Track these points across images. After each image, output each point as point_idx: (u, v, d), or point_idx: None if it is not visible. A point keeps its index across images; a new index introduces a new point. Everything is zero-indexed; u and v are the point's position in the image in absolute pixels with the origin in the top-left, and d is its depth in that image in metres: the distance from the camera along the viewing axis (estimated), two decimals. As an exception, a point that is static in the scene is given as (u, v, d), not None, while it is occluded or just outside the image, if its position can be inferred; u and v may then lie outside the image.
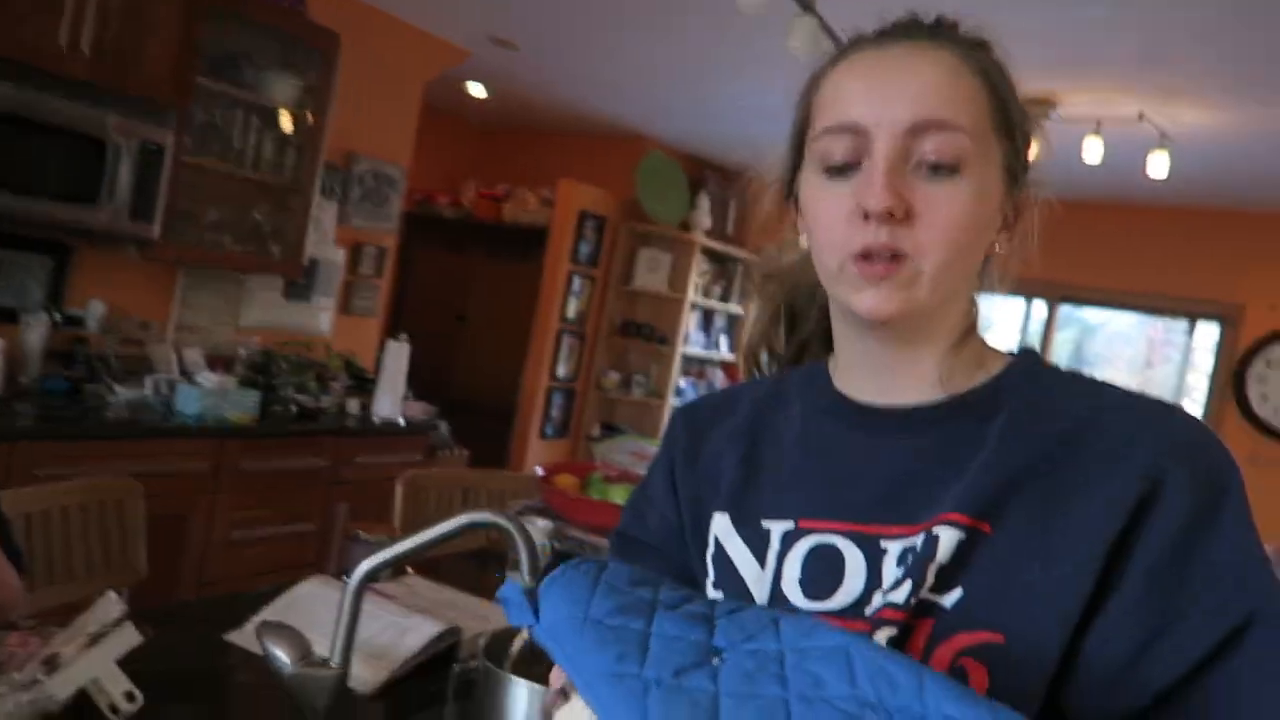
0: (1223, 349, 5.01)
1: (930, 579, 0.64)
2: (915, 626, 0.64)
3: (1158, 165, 3.62)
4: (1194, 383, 5.18)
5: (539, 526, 1.83)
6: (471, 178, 5.79)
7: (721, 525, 0.76)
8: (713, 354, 6.15)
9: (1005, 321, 5.45)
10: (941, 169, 0.67)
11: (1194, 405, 5.11)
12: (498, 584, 1.30)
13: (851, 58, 0.72)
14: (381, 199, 4.14)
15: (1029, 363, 0.73)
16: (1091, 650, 0.62)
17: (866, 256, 0.67)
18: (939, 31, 0.72)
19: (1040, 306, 5.39)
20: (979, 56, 0.71)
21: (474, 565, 2.08)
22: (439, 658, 1.36)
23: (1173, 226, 5.01)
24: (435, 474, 2.41)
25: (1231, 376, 4.91)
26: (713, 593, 0.75)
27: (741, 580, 0.73)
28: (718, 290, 6.00)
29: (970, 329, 0.74)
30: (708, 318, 6.08)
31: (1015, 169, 0.72)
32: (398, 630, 1.34)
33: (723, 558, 0.75)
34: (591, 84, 4.61)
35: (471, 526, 1.12)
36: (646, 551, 0.83)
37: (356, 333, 4.06)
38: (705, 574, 0.77)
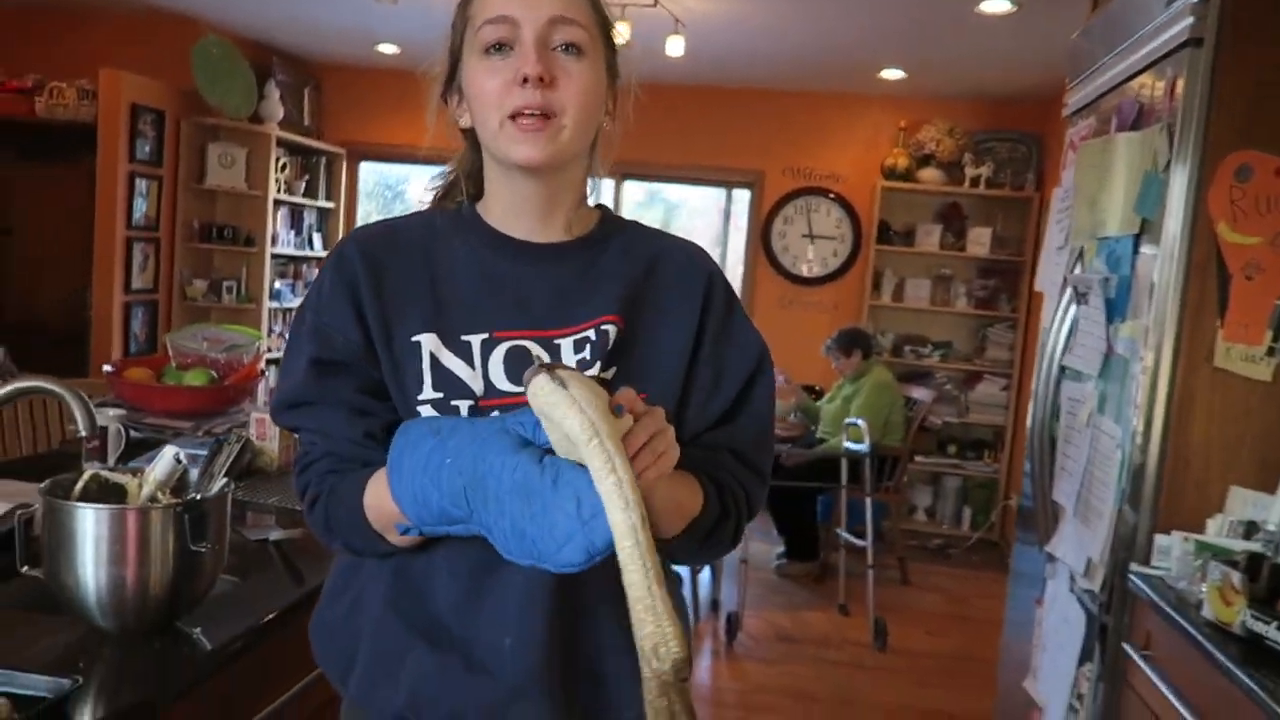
0: (753, 212, 5.93)
1: (602, 359, 0.95)
2: None
3: (675, 47, 4.17)
4: (736, 244, 6.08)
5: (110, 414, 1.87)
6: (-10, 69, 5.05)
7: (432, 343, 0.95)
8: (306, 252, 6.04)
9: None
10: (571, 49, 0.95)
11: (737, 262, 6.02)
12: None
13: None
14: None
15: (609, 214, 1.08)
16: (691, 388, 1.01)
17: (522, 115, 0.92)
18: None
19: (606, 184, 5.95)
20: None
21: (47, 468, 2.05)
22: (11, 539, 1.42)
23: (702, 105, 5.73)
24: (-11, 388, 2.29)
25: (760, 235, 5.85)
26: (431, 393, 0.94)
27: (459, 380, 0.95)
28: (302, 186, 5.87)
29: (584, 195, 1.06)
30: (296, 215, 5.93)
31: (613, 68, 1.01)
32: (-39, 515, 1.38)
33: (439, 367, 0.95)
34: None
35: (22, 394, 1.21)
36: (341, 369, 0.96)
37: None
38: (417, 382, 0.94)
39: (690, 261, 1.07)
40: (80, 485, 1.15)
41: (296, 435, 1.04)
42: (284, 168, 5.65)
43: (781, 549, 4.72)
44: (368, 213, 6.71)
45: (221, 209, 5.50)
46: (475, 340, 0.97)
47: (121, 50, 5.10)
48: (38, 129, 4.90)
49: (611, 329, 0.98)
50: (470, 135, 1.04)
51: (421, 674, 0.92)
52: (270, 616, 1.30)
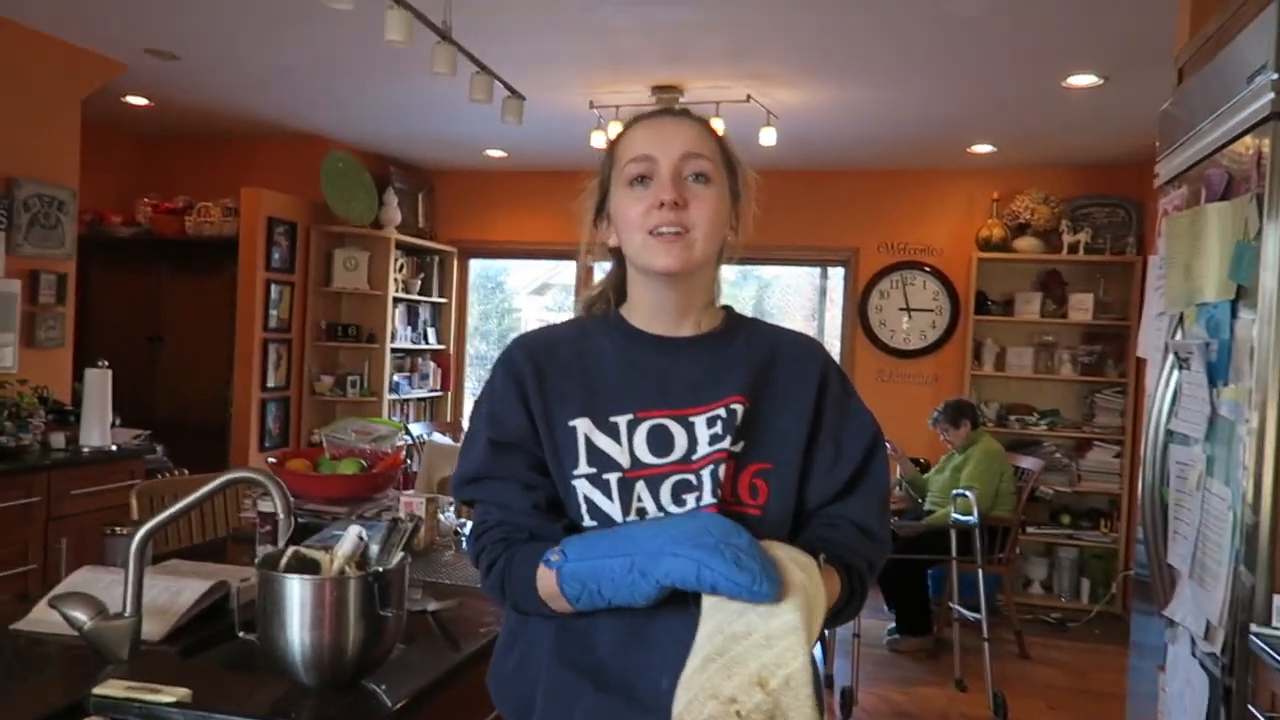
0: (849, 288, 6.04)
1: (732, 434, 1.12)
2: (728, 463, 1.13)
3: (768, 137, 4.38)
4: (832, 318, 6.19)
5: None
6: (146, 193, 5.61)
7: (586, 426, 1.13)
8: (421, 346, 6.40)
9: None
10: (700, 178, 1.15)
11: (834, 338, 6.11)
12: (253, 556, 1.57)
13: (638, 124, 1.20)
14: (52, 223, 4.02)
15: (733, 312, 1.26)
16: (813, 462, 1.16)
17: (661, 233, 1.12)
18: (686, 114, 1.22)
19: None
20: (708, 126, 1.21)
21: (222, 552, 2.29)
22: (214, 610, 1.62)
23: (796, 189, 5.91)
24: (169, 481, 2.56)
25: (857, 310, 5.94)
26: (585, 469, 1.11)
27: (609, 456, 1.11)
28: (417, 284, 6.25)
29: (713, 298, 1.24)
30: (412, 311, 6.32)
31: (735, 192, 1.22)
32: (173, 591, 1.58)
33: (593, 447, 1.12)
34: (262, 89, 4.70)
35: (232, 483, 1.42)
36: (513, 449, 1.14)
37: (46, 365, 3.94)
38: (573, 459, 1.12)
39: (807, 352, 1.23)
40: (284, 560, 1.34)
41: (471, 507, 1.21)
42: (401, 268, 6.05)
43: (892, 624, 4.69)
44: (471, 303, 7.07)
45: (346, 309, 5.91)
46: (622, 421, 1.14)
47: (258, 169, 5.61)
48: (188, 245, 5.41)
49: (739, 408, 1.14)
50: (616, 253, 1.24)
51: (591, 713, 1.06)
52: (437, 677, 1.46)
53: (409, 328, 6.26)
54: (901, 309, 5.89)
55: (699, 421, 1.13)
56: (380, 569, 1.38)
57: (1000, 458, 4.62)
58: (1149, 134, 2.74)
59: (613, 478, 1.11)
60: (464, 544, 1.22)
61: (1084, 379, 5.54)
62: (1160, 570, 2.34)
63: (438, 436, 5.65)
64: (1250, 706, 1.80)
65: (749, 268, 6.77)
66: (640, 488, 1.11)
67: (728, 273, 1.30)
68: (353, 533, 1.41)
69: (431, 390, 6.51)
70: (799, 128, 4.77)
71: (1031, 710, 3.85)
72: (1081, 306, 5.47)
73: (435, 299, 6.50)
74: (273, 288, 5.37)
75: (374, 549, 1.45)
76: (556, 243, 6.35)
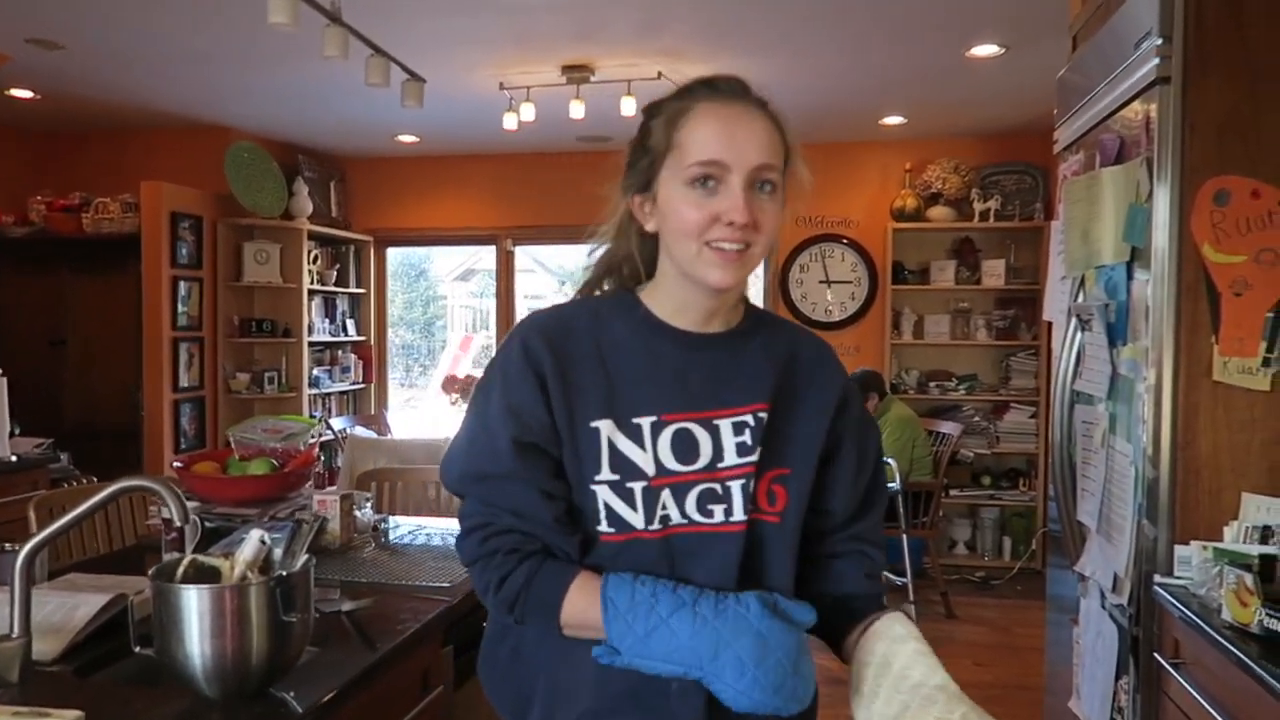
0: (769, 262, 6.07)
1: (761, 444, 1.08)
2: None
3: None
4: (756, 293, 6.23)
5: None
6: (39, 191, 5.35)
7: (608, 428, 1.06)
8: (341, 338, 6.25)
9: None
10: (767, 186, 1.06)
11: (758, 311, 6.15)
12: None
13: (703, 106, 1.07)
14: (-65, 228, 3.81)
15: (750, 305, 1.18)
16: (837, 471, 1.15)
17: (722, 248, 1.03)
18: (755, 102, 1.09)
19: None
20: (777, 118, 1.10)
21: (129, 561, 2.20)
22: (114, 625, 1.55)
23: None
24: (68, 491, 2.45)
25: (778, 284, 5.99)
26: (608, 475, 1.05)
27: (633, 462, 1.05)
28: (334, 275, 6.10)
29: (743, 295, 1.17)
30: (329, 303, 6.17)
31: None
32: (68, 607, 1.51)
33: (615, 451, 1.05)
34: (156, 78, 4.50)
35: (122, 492, 1.35)
36: (534, 450, 1.05)
37: (-65, 376, 3.74)
38: (595, 464, 1.05)
39: (825, 356, 1.20)
40: (181, 570, 1.29)
41: (461, 499, 1.11)
42: (316, 259, 5.90)
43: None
44: (393, 292, 6.95)
45: (259, 304, 5.74)
46: (645, 423, 1.07)
47: (159, 162, 5.40)
48: (87, 244, 5.18)
49: (765, 416, 1.10)
50: (649, 236, 1.14)
51: (596, 712, 1.04)
52: (351, 679, 1.42)
53: (326, 320, 6.11)
54: (822, 281, 5.96)
55: (724, 426, 1.09)
56: (284, 573, 1.33)
57: (912, 423, 4.71)
58: (1050, 101, 2.80)
59: (637, 486, 1.06)
60: (457, 543, 1.14)
61: (999, 343, 5.68)
62: (1071, 527, 2.41)
63: (360, 430, 5.55)
64: (1155, 654, 1.87)
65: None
66: (666, 496, 1.06)
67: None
68: (254, 537, 1.36)
69: (354, 383, 6.38)
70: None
71: (958, 668, 3.92)
72: (994, 272, 5.59)
73: (353, 290, 6.36)
74: (180, 284, 5.18)
75: (278, 552, 1.40)
76: (476, 228, 6.27)
